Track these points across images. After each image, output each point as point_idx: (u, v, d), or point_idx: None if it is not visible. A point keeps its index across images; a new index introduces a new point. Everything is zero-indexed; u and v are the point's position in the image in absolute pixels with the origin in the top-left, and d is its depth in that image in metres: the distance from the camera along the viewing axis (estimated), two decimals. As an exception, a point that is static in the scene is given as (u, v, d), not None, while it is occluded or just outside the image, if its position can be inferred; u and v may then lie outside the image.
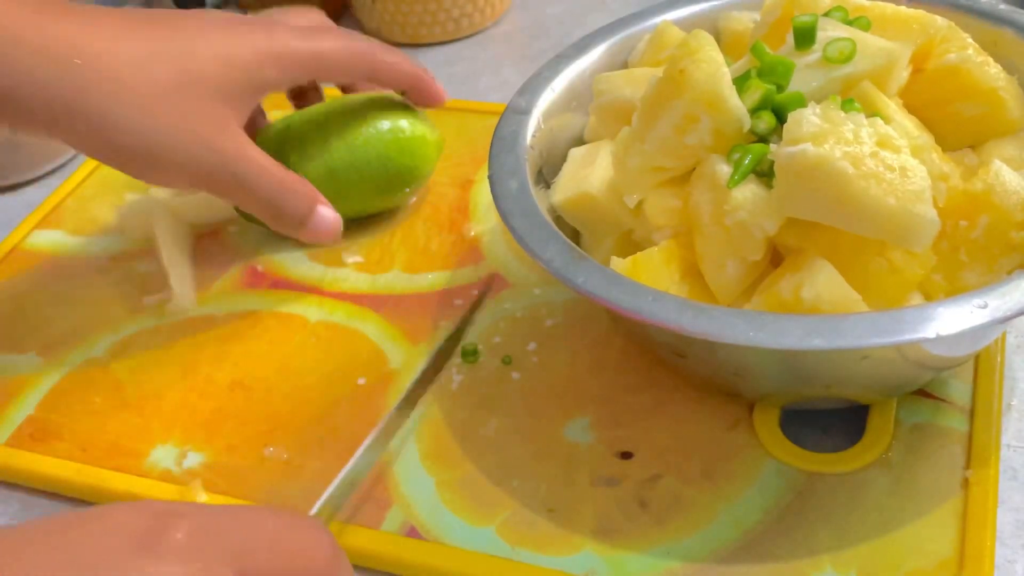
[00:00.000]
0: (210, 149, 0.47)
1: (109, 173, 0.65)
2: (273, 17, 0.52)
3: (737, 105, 0.41)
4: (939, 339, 0.36)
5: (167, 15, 0.48)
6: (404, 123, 0.56)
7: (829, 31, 0.43)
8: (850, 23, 0.44)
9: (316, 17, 0.54)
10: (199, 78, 0.47)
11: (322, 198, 0.51)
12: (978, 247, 0.41)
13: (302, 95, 0.59)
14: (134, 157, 0.46)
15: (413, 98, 0.56)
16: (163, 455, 0.47)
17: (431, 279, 0.55)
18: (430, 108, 0.57)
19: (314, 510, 0.41)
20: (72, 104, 0.45)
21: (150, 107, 0.46)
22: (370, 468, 0.44)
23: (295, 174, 0.51)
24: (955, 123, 0.46)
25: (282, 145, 0.55)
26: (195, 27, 0.48)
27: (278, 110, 0.59)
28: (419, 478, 0.45)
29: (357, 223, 0.58)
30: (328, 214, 0.51)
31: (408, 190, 0.58)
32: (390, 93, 0.57)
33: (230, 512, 0.32)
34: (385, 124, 0.56)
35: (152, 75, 0.46)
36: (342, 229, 0.52)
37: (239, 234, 0.59)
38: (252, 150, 0.49)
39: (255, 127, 0.56)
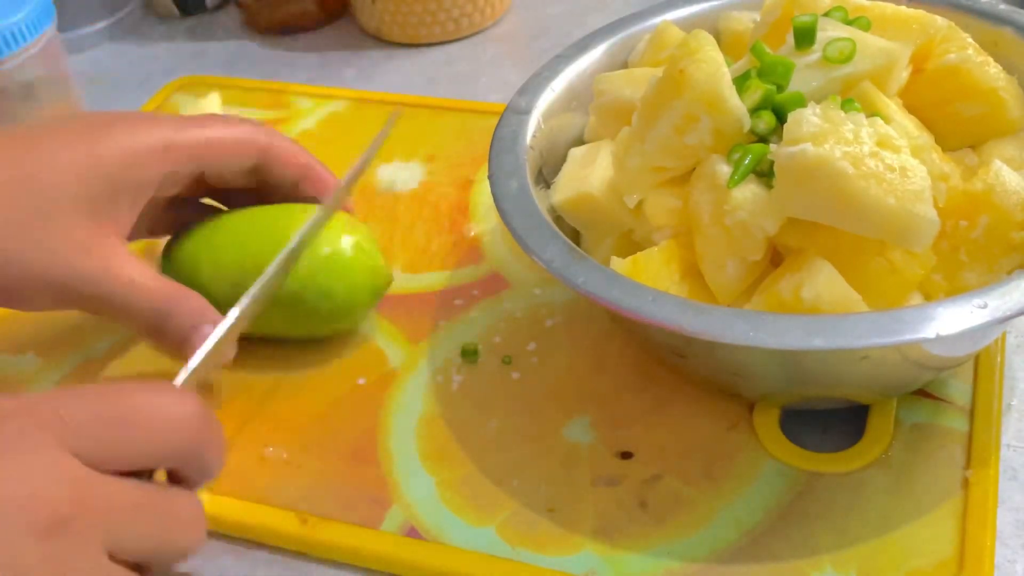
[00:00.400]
0: (72, 273, 0.43)
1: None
2: (152, 112, 0.48)
3: (737, 105, 0.41)
4: (939, 339, 0.36)
5: (22, 133, 0.44)
6: (346, 241, 0.48)
7: (829, 31, 0.43)
8: (850, 23, 0.44)
9: (209, 111, 0.50)
10: (53, 200, 0.43)
11: (212, 314, 0.45)
12: (978, 247, 0.41)
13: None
14: None
15: (304, 190, 0.49)
16: (163, 455, 0.47)
17: (431, 279, 0.55)
18: (321, 200, 0.49)
19: (179, 379, 0.38)
20: None
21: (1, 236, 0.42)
22: (234, 339, 0.41)
23: (181, 288, 0.45)
24: (955, 123, 0.46)
25: (196, 255, 0.49)
26: (48, 142, 0.44)
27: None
28: (419, 478, 0.45)
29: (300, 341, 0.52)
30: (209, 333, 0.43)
31: (345, 323, 0.51)
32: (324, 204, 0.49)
33: (66, 394, 0.32)
34: (325, 248, 0.48)
35: (1, 202, 0.42)
36: (234, 352, 0.45)
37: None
38: (124, 266, 0.44)
39: (178, 224, 0.51)
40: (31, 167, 0.43)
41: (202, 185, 0.49)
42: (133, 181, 0.44)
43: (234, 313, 0.41)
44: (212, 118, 0.47)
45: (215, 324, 0.43)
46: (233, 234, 0.49)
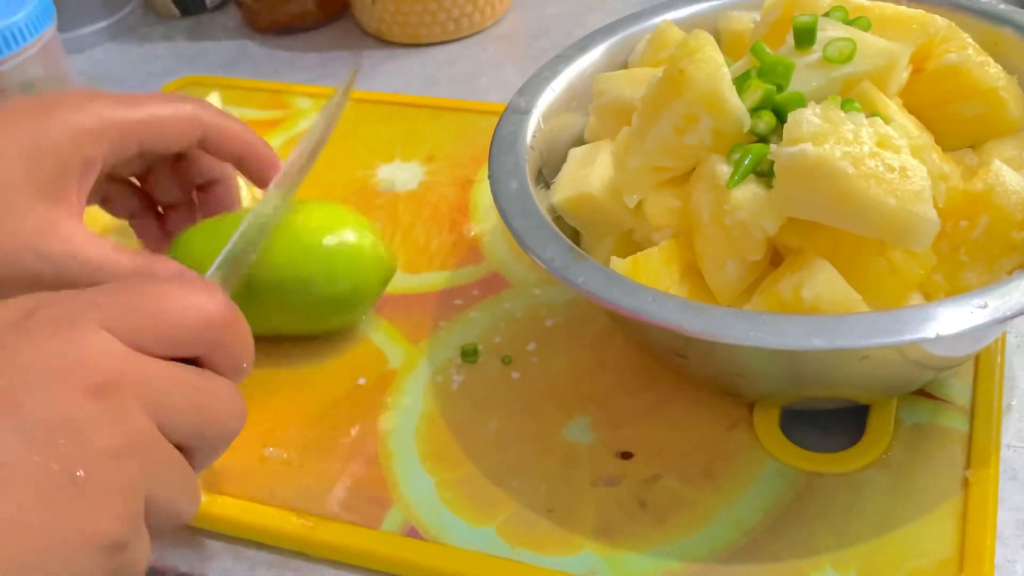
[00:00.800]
0: (41, 259, 0.43)
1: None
2: (95, 90, 0.48)
3: (737, 105, 0.41)
4: (939, 339, 0.36)
5: None
6: (350, 235, 0.49)
7: (829, 31, 0.43)
8: (850, 23, 0.44)
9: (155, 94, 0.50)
10: (8, 184, 0.42)
11: (190, 275, 0.45)
12: (978, 247, 0.41)
13: (158, 195, 0.52)
14: None
15: (245, 169, 0.50)
16: (163, 455, 0.47)
17: (431, 279, 0.55)
18: (264, 181, 0.50)
19: (209, 273, 0.40)
20: None
21: None
22: (269, 226, 0.43)
23: (150, 255, 0.45)
24: (955, 123, 0.46)
25: (202, 252, 0.48)
26: None
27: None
28: (419, 478, 0.45)
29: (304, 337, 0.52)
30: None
31: (352, 314, 0.52)
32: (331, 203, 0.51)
33: (102, 287, 0.34)
34: (330, 239, 0.49)
35: None
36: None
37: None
38: (88, 244, 0.43)
39: (187, 222, 0.52)
40: None
41: (146, 160, 0.50)
42: (80, 160, 0.44)
43: (256, 208, 0.43)
44: (155, 96, 0.48)
45: (197, 282, 0.43)
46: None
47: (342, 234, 0.49)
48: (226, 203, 0.53)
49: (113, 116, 0.45)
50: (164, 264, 0.45)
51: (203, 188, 0.53)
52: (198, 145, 0.49)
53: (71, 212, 0.44)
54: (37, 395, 0.31)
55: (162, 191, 0.52)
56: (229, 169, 0.52)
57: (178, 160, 0.51)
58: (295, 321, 0.50)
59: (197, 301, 0.35)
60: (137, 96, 0.47)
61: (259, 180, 0.50)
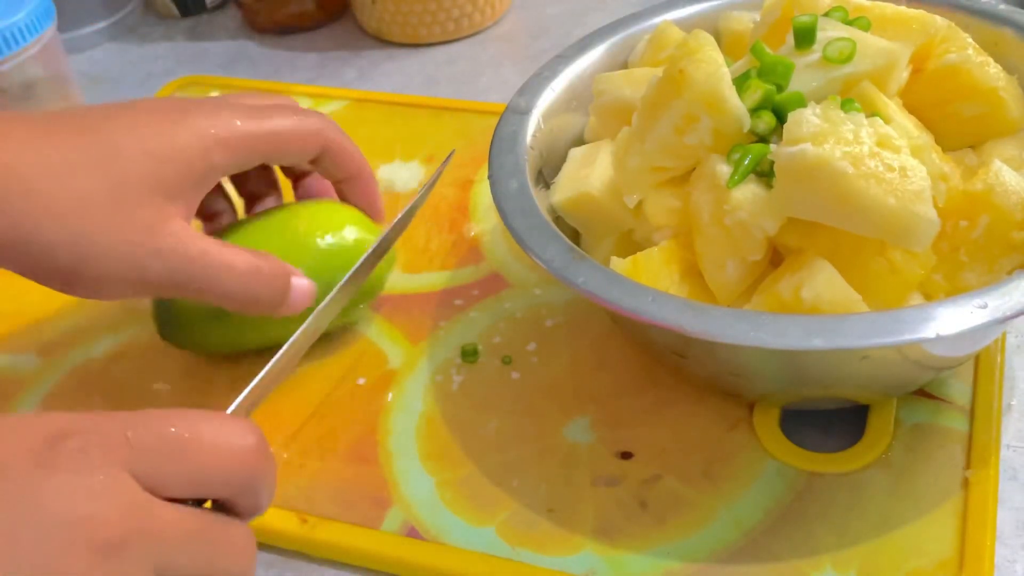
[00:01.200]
0: (147, 254, 0.42)
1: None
2: (224, 97, 0.49)
3: (737, 105, 0.41)
4: (939, 339, 0.36)
5: (93, 114, 0.44)
6: (349, 232, 0.50)
7: (829, 31, 0.43)
8: (850, 23, 0.44)
9: (277, 98, 0.51)
10: (128, 180, 0.42)
11: (292, 269, 0.46)
12: (978, 247, 0.41)
13: (249, 187, 0.53)
14: (58, 270, 0.42)
15: (347, 192, 0.51)
16: (163, 455, 0.47)
17: (431, 279, 0.55)
18: (361, 207, 0.51)
19: (231, 408, 0.37)
20: None
21: (73, 217, 0.41)
22: (294, 365, 0.41)
23: (260, 253, 0.46)
24: (955, 123, 0.46)
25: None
26: (124, 123, 0.44)
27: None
28: (419, 478, 0.45)
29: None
30: (303, 285, 0.46)
31: (360, 306, 0.53)
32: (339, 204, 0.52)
33: (133, 417, 0.32)
34: (327, 236, 0.49)
35: (72, 185, 0.41)
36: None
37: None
38: (204, 245, 0.44)
39: (219, 223, 0.52)
40: (109, 148, 0.43)
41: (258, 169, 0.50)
42: (205, 167, 0.44)
43: (291, 339, 0.41)
44: (283, 109, 0.48)
45: (298, 277, 0.46)
46: (273, 230, 0.50)
47: (340, 232, 0.49)
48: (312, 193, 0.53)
49: (244, 129, 0.45)
50: (269, 262, 0.45)
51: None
52: (314, 158, 0.49)
53: (184, 215, 0.44)
54: (42, 546, 0.30)
55: (253, 185, 0.53)
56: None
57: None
58: (295, 324, 0.50)
59: (233, 443, 0.33)
60: (265, 108, 0.47)
61: (359, 205, 0.51)
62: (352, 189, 0.51)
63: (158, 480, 0.32)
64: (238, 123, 0.45)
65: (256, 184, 0.53)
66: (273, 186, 0.53)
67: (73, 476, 0.31)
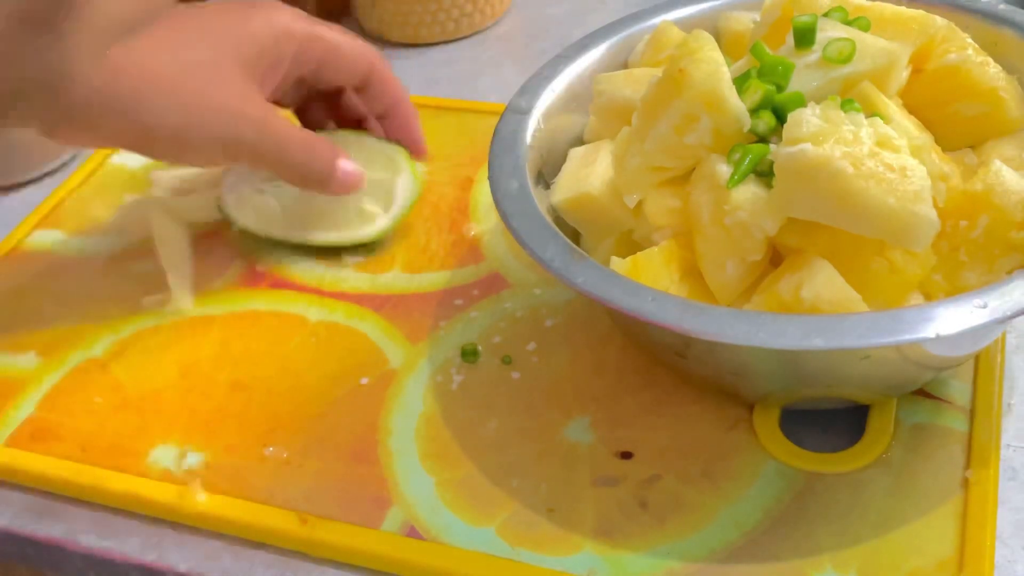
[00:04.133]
0: (241, 120, 0.49)
1: (108, 173, 0.65)
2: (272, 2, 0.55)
3: (737, 105, 0.41)
4: (939, 339, 0.36)
5: (188, 9, 0.51)
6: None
7: (829, 31, 0.43)
8: (850, 23, 0.44)
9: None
10: (220, 56, 0.49)
11: (342, 152, 0.54)
12: (978, 247, 0.41)
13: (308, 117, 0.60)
14: (168, 138, 0.49)
15: (389, 124, 0.57)
16: (163, 455, 0.47)
17: (431, 279, 0.55)
18: (402, 140, 0.58)
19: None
20: (103, 92, 0.46)
21: (179, 87, 0.48)
22: None
23: (314, 134, 0.53)
24: (955, 123, 0.46)
25: None
26: (211, 10, 0.51)
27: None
28: (419, 478, 0.45)
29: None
30: (349, 167, 0.54)
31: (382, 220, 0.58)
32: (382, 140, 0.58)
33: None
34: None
35: (176, 57, 0.48)
36: (364, 180, 0.55)
37: (239, 234, 0.59)
38: (276, 118, 0.51)
39: None
40: (196, 27, 0.50)
41: (303, 87, 0.57)
42: (275, 55, 0.51)
43: None
44: (338, 27, 0.54)
45: (346, 160, 0.53)
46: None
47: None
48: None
49: (304, 26, 0.52)
50: (324, 144, 0.53)
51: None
52: (356, 85, 0.56)
53: (261, 91, 0.51)
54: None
55: (351, 110, 0.59)
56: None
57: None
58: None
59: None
60: (324, 23, 0.54)
61: (399, 135, 0.58)
62: (393, 121, 0.57)
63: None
64: (299, 20, 0.52)
65: (316, 113, 0.59)
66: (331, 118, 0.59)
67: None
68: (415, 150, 0.58)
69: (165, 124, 0.48)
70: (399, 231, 0.58)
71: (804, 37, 0.43)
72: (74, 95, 0.46)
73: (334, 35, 0.54)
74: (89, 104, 0.46)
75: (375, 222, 0.57)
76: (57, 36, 0.44)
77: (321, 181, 0.53)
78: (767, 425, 0.45)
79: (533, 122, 0.49)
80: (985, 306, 0.36)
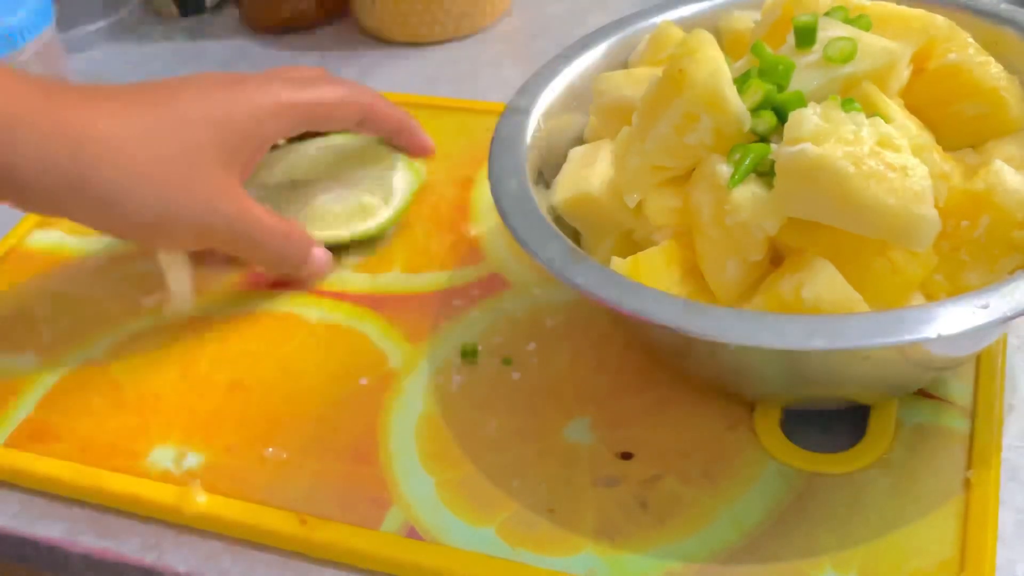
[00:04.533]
0: (214, 213, 0.49)
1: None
2: (273, 71, 0.55)
3: (737, 105, 0.41)
4: (940, 339, 0.36)
5: (164, 87, 0.51)
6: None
7: (829, 31, 0.43)
8: (851, 23, 0.44)
9: (314, 71, 0.57)
10: (198, 146, 0.49)
11: (314, 240, 0.54)
12: (979, 247, 0.41)
13: None
14: (143, 226, 0.49)
15: (399, 142, 0.58)
16: (162, 455, 0.47)
17: (431, 279, 0.55)
18: (415, 155, 0.59)
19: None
20: (81, 182, 0.46)
21: (156, 179, 0.48)
22: None
23: (290, 222, 0.53)
24: (956, 123, 0.45)
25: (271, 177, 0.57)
26: (191, 96, 0.50)
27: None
28: (419, 478, 0.45)
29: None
30: (320, 255, 0.55)
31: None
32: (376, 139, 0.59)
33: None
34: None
35: (154, 149, 0.48)
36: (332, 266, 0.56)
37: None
38: (252, 209, 0.51)
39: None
40: (181, 119, 0.49)
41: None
42: (259, 136, 0.51)
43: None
44: (322, 80, 0.55)
45: (319, 248, 0.54)
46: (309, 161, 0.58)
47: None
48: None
49: (290, 99, 0.52)
50: (298, 232, 0.54)
51: None
52: (357, 124, 0.56)
53: (239, 178, 0.51)
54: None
55: None
56: None
57: None
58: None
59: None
60: (307, 81, 0.54)
61: (410, 150, 0.58)
62: (398, 141, 0.58)
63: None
64: (285, 95, 0.52)
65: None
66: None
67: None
68: (423, 154, 0.59)
69: (142, 218, 0.48)
70: (399, 230, 0.58)
71: (805, 36, 0.43)
72: (46, 183, 0.46)
73: (322, 94, 0.53)
74: (61, 196, 0.47)
75: (377, 214, 0.57)
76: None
77: (295, 267, 0.54)
78: (768, 425, 0.45)
79: (533, 122, 0.49)
80: (987, 306, 0.36)
